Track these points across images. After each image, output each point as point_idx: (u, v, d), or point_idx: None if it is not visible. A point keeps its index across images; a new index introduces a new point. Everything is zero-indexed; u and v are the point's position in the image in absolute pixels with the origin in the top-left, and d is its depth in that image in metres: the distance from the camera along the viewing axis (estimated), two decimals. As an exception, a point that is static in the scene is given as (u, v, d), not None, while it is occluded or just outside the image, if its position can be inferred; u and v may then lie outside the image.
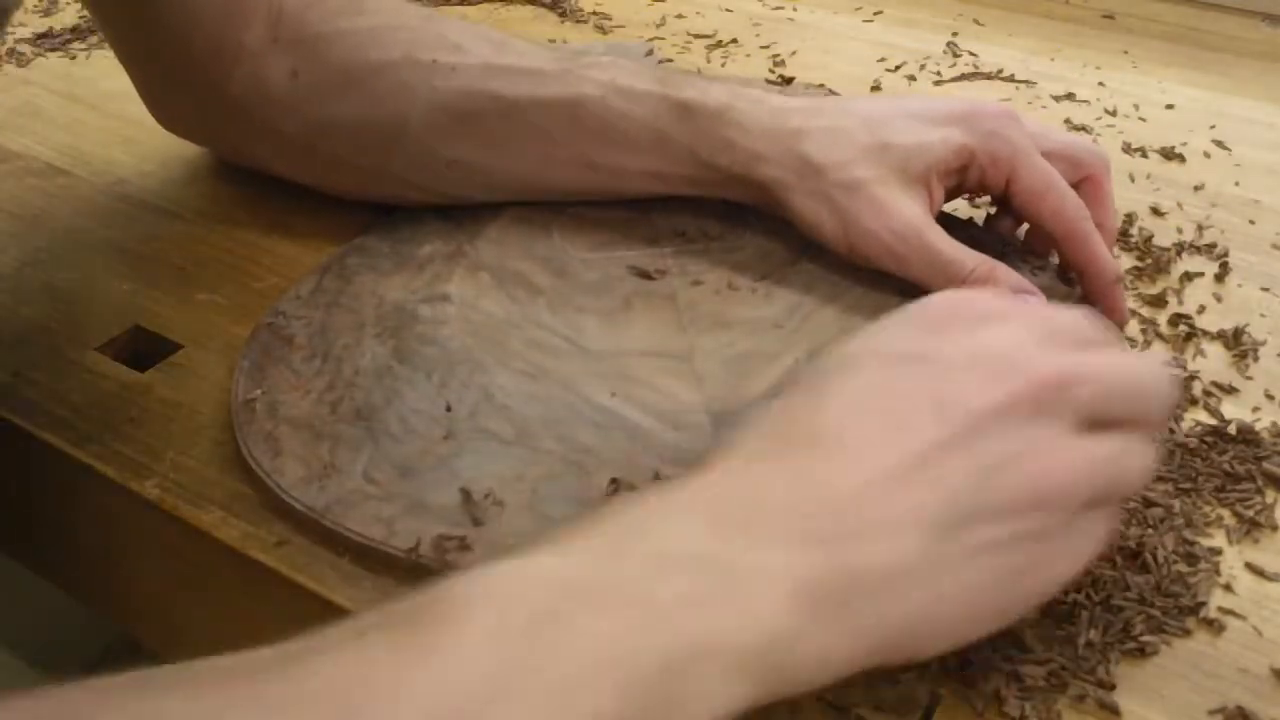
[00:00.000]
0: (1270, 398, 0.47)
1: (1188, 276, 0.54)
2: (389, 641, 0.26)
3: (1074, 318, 0.36)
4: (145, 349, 0.49)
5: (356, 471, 0.41)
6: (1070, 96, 0.72)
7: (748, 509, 0.30)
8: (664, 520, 0.30)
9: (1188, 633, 0.37)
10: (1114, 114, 0.70)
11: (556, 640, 0.27)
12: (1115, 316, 0.49)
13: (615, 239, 0.54)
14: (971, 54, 0.78)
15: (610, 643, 0.27)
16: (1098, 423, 0.33)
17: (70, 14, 0.81)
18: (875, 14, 0.85)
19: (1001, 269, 0.47)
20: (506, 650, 0.26)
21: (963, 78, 0.74)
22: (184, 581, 0.44)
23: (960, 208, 0.59)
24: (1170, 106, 0.71)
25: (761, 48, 0.78)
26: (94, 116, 0.67)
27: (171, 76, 0.56)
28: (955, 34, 0.81)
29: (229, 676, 0.26)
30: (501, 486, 0.40)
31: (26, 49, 0.75)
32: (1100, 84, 0.74)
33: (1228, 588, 0.39)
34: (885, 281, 0.51)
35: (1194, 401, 0.46)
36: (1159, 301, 0.52)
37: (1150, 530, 0.40)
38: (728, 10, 0.85)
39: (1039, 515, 0.31)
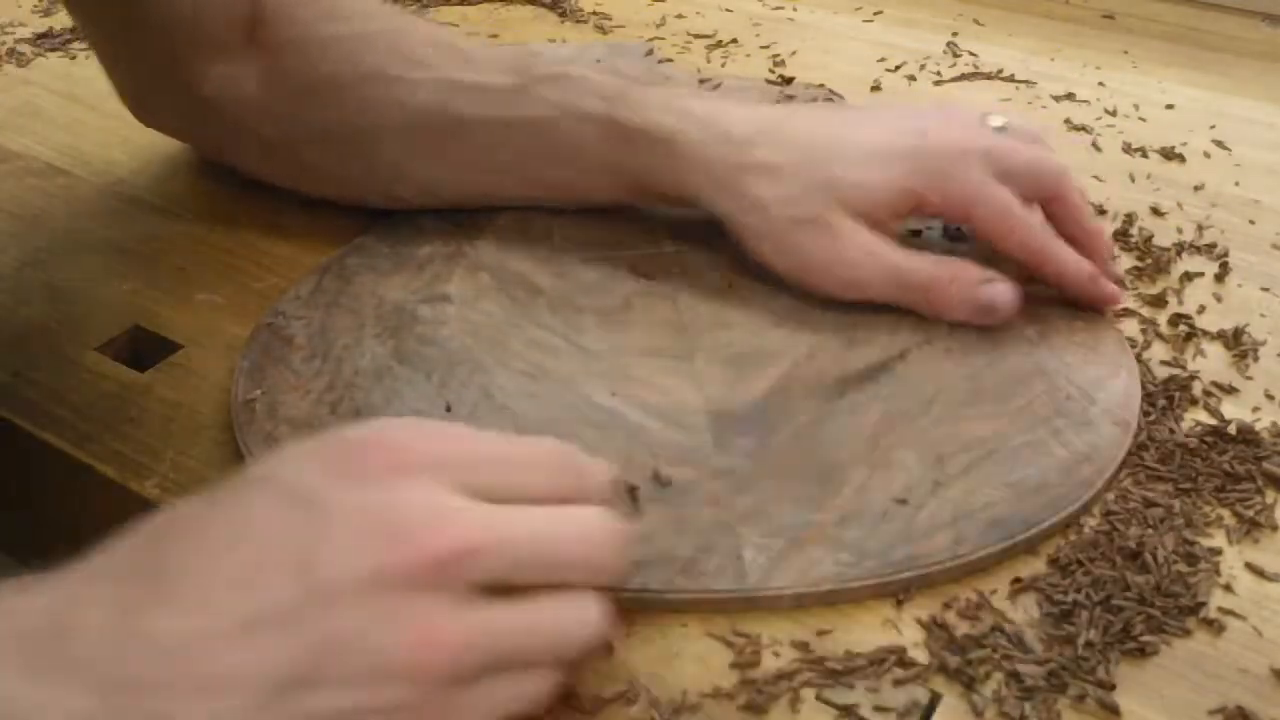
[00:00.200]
0: (1270, 398, 0.47)
1: (1188, 276, 0.54)
2: None
3: (532, 457, 0.34)
4: (145, 349, 0.49)
5: (356, 471, 0.41)
6: (1070, 96, 0.72)
7: (57, 638, 0.28)
8: None
9: (1188, 633, 0.37)
10: (1114, 114, 0.70)
11: None
12: (1107, 304, 0.49)
13: (615, 239, 0.54)
14: (971, 54, 0.78)
15: None
16: (516, 587, 0.32)
17: (71, 14, 0.81)
18: (875, 14, 0.85)
19: (965, 272, 0.46)
20: None
21: (963, 78, 0.74)
22: (184, 581, 0.44)
23: (960, 208, 0.59)
24: (1170, 106, 0.71)
25: (761, 48, 0.78)
26: (94, 116, 0.67)
27: (149, 74, 0.56)
28: (955, 34, 0.81)
29: None
30: (501, 486, 0.40)
31: (26, 49, 0.75)
32: (1100, 84, 0.74)
33: (1228, 588, 0.39)
34: (885, 281, 0.51)
35: (1194, 401, 0.46)
36: (1159, 301, 0.52)
37: (1150, 530, 0.40)
38: (728, 10, 0.85)
39: (394, 689, 0.29)
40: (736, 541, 0.39)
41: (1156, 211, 0.59)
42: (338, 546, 0.30)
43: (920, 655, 0.36)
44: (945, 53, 0.78)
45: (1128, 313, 0.51)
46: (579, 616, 0.33)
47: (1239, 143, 0.66)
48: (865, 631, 0.37)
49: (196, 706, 0.28)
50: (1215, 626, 0.37)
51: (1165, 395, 0.46)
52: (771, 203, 0.47)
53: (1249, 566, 0.40)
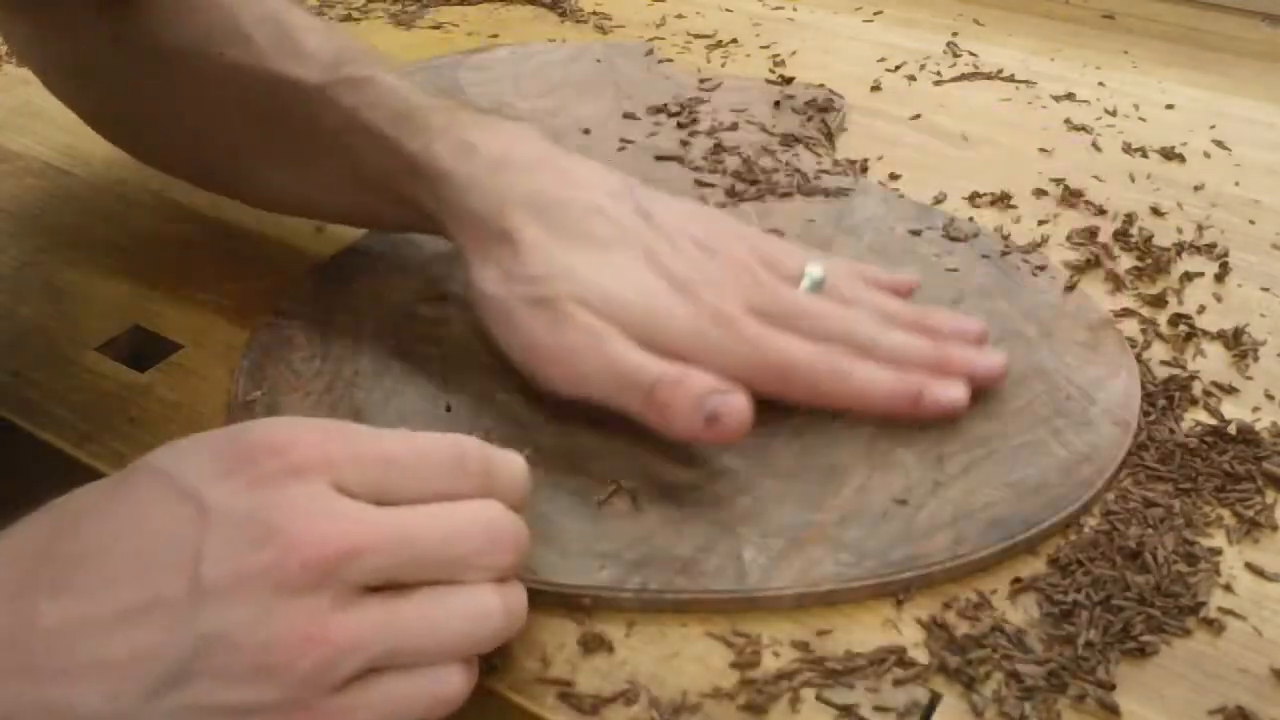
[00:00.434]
0: (1270, 398, 0.47)
1: (1188, 276, 0.54)
2: None
3: (428, 454, 0.33)
4: (145, 349, 0.49)
5: (356, 471, 0.41)
6: (1070, 96, 0.72)
7: None
8: None
9: (1188, 633, 0.37)
10: (1114, 114, 0.70)
11: None
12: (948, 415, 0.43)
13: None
14: (971, 54, 0.78)
15: None
16: (407, 583, 0.31)
17: (70, 14, 0.81)
18: (875, 14, 0.85)
19: (693, 379, 0.39)
20: None
21: (963, 78, 0.75)
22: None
23: (960, 207, 0.59)
24: (1170, 106, 0.71)
25: (761, 48, 0.78)
26: (94, 116, 0.67)
27: (22, 30, 0.55)
28: (955, 34, 0.81)
29: None
30: (501, 486, 0.40)
31: (26, 49, 0.75)
32: (1100, 84, 0.74)
33: (1228, 588, 0.39)
34: (885, 281, 0.51)
35: (1194, 401, 0.46)
36: (1159, 301, 0.52)
37: (1150, 530, 0.40)
38: (728, 10, 0.85)
39: (274, 688, 0.29)
40: (736, 541, 0.39)
41: (1156, 211, 0.59)
42: (220, 544, 0.30)
43: (920, 655, 0.36)
44: (945, 53, 0.78)
45: (1128, 313, 0.51)
46: (477, 611, 0.32)
47: (1239, 143, 0.67)
48: (865, 631, 0.37)
49: (90, 694, 0.29)
50: (1215, 626, 0.37)
51: (1165, 395, 0.46)
52: (514, 278, 0.42)
53: (1249, 566, 0.40)
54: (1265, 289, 0.54)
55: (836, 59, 0.77)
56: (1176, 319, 0.51)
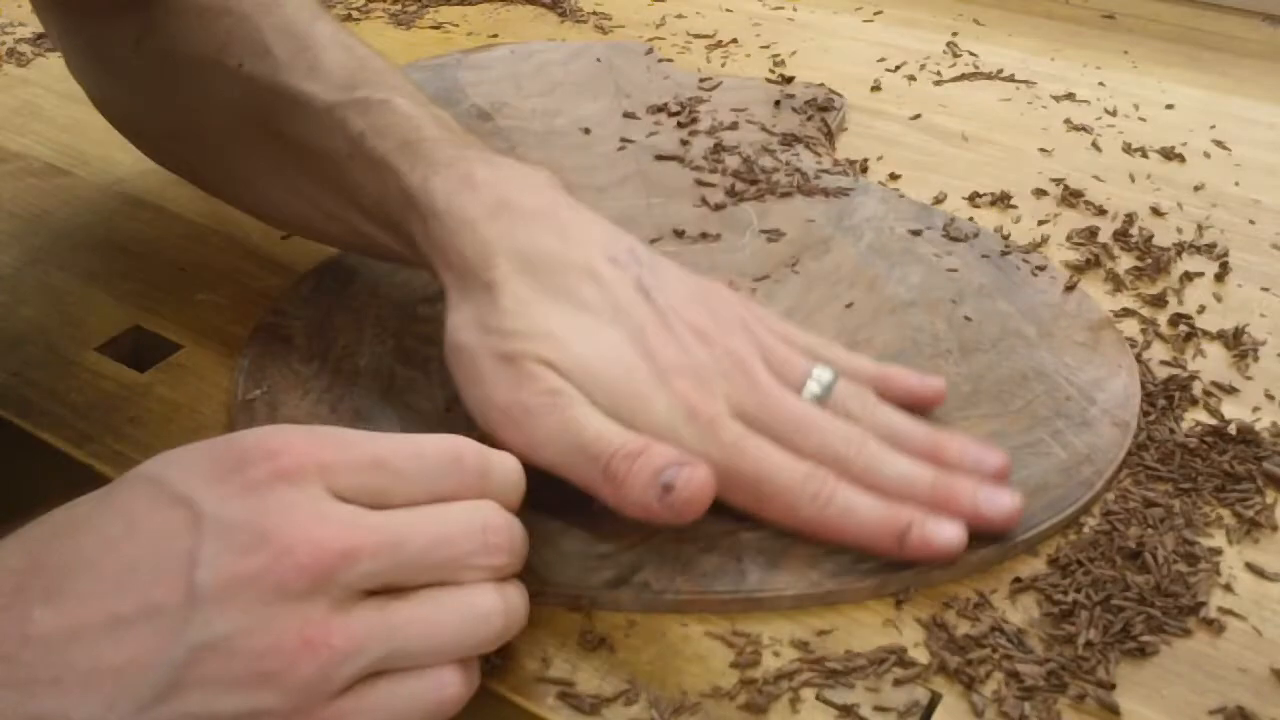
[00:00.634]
0: (1270, 398, 0.47)
1: (1188, 276, 0.54)
2: None
3: (422, 457, 0.33)
4: (145, 349, 0.49)
5: (356, 471, 0.41)
6: (1070, 96, 0.72)
7: None
8: None
9: (1188, 633, 0.37)
10: (1114, 114, 0.70)
11: None
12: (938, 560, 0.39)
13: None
14: (971, 54, 0.78)
15: None
16: (404, 586, 0.31)
17: (70, 14, 0.81)
18: (875, 14, 0.85)
19: (653, 451, 0.37)
20: None
21: (963, 78, 0.75)
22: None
23: (960, 207, 0.59)
24: (1170, 106, 0.71)
25: (761, 48, 0.78)
26: (94, 116, 0.67)
27: (54, 17, 0.55)
28: (955, 34, 0.81)
29: None
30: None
31: (26, 49, 0.75)
32: (1100, 84, 0.74)
33: (1228, 588, 0.39)
34: (886, 283, 0.51)
35: (1194, 401, 0.46)
36: (1159, 301, 0.52)
37: (1150, 530, 0.40)
38: (728, 10, 0.85)
39: (270, 694, 0.29)
40: (736, 542, 0.39)
41: (1156, 211, 0.59)
42: (215, 550, 0.30)
43: (920, 655, 0.36)
44: (945, 53, 0.78)
45: (1128, 313, 0.51)
46: (476, 612, 0.32)
47: (1239, 143, 0.66)
48: (865, 631, 0.37)
49: (85, 703, 0.28)
50: (1215, 626, 0.37)
51: (1165, 395, 0.46)
52: (487, 329, 0.39)
53: (1249, 566, 0.40)
54: (1265, 289, 0.54)
55: (836, 59, 0.77)
56: (1176, 319, 0.51)
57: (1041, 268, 0.53)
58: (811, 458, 0.38)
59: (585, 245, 0.41)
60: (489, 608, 0.33)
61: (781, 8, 0.85)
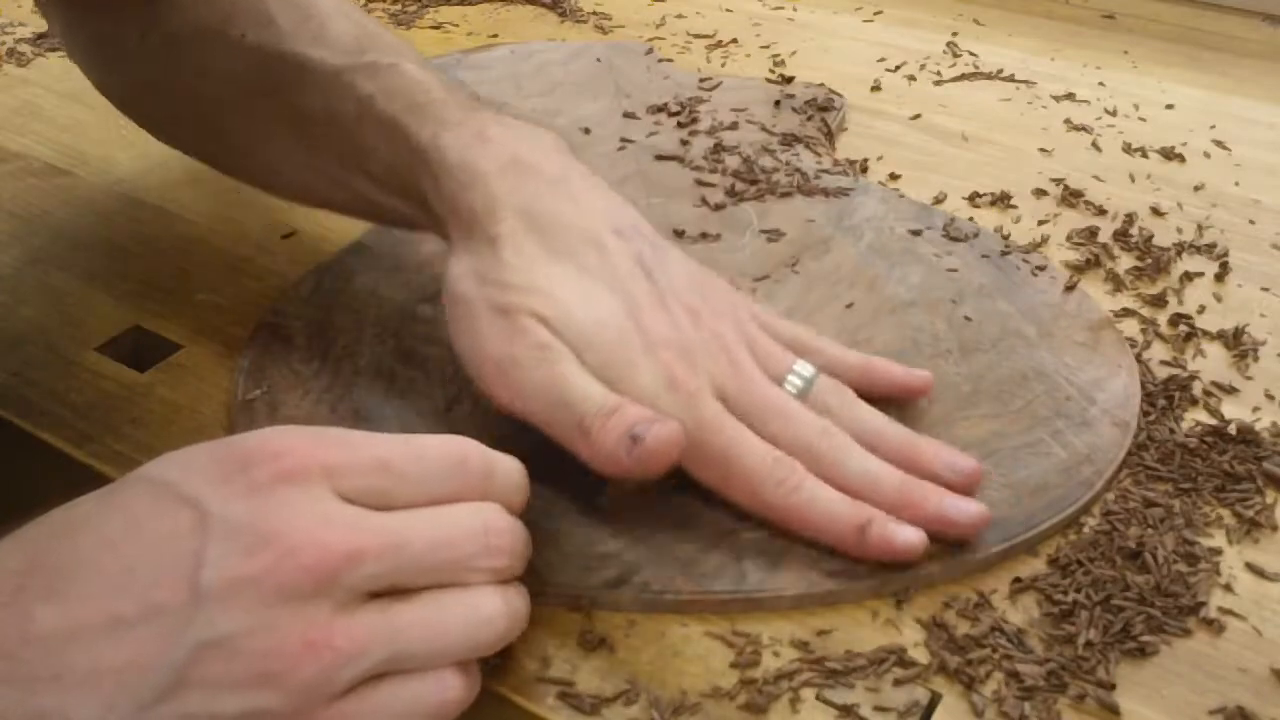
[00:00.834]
0: (1270, 398, 0.47)
1: (1188, 276, 0.54)
2: None
3: (425, 458, 0.33)
4: (145, 349, 0.49)
5: (356, 471, 0.41)
6: (1070, 96, 0.72)
7: None
8: None
9: (1188, 633, 0.37)
10: (1114, 114, 0.70)
11: None
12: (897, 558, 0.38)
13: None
14: (971, 54, 0.78)
15: None
16: (406, 590, 0.31)
17: (70, 14, 0.81)
18: (875, 14, 0.85)
19: (627, 408, 0.37)
20: None
21: (963, 78, 0.75)
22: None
23: (960, 207, 0.59)
24: (1170, 106, 0.71)
25: (761, 48, 0.78)
26: (94, 116, 0.67)
27: (59, 8, 0.55)
28: (955, 34, 0.81)
29: None
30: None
31: (26, 49, 0.75)
32: (1100, 84, 0.74)
33: (1228, 588, 0.39)
34: (885, 283, 0.51)
35: (1194, 401, 0.46)
36: (1159, 301, 0.52)
37: (1150, 530, 0.40)
38: (728, 10, 0.85)
39: (273, 695, 0.29)
40: (736, 542, 0.39)
41: (1156, 211, 0.59)
42: (219, 552, 0.30)
43: (920, 655, 0.36)
44: (945, 53, 0.78)
45: (1128, 313, 0.51)
46: (479, 614, 0.32)
47: (1239, 143, 0.67)
48: (865, 631, 0.37)
49: (86, 703, 0.28)
50: (1215, 626, 0.37)
51: (1165, 395, 0.46)
52: (486, 281, 0.40)
53: (1249, 566, 0.40)
54: (1265, 289, 0.54)
55: (836, 59, 0.77)
56: (1176, 319, 0.51)
57: (1041, 268, 0.53)
58: (784, 446, 0.39)
59: (593, 214, 0.42)
60: (492, 610, 0.33)
61: (781, 8, 0.85)
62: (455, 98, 0.44)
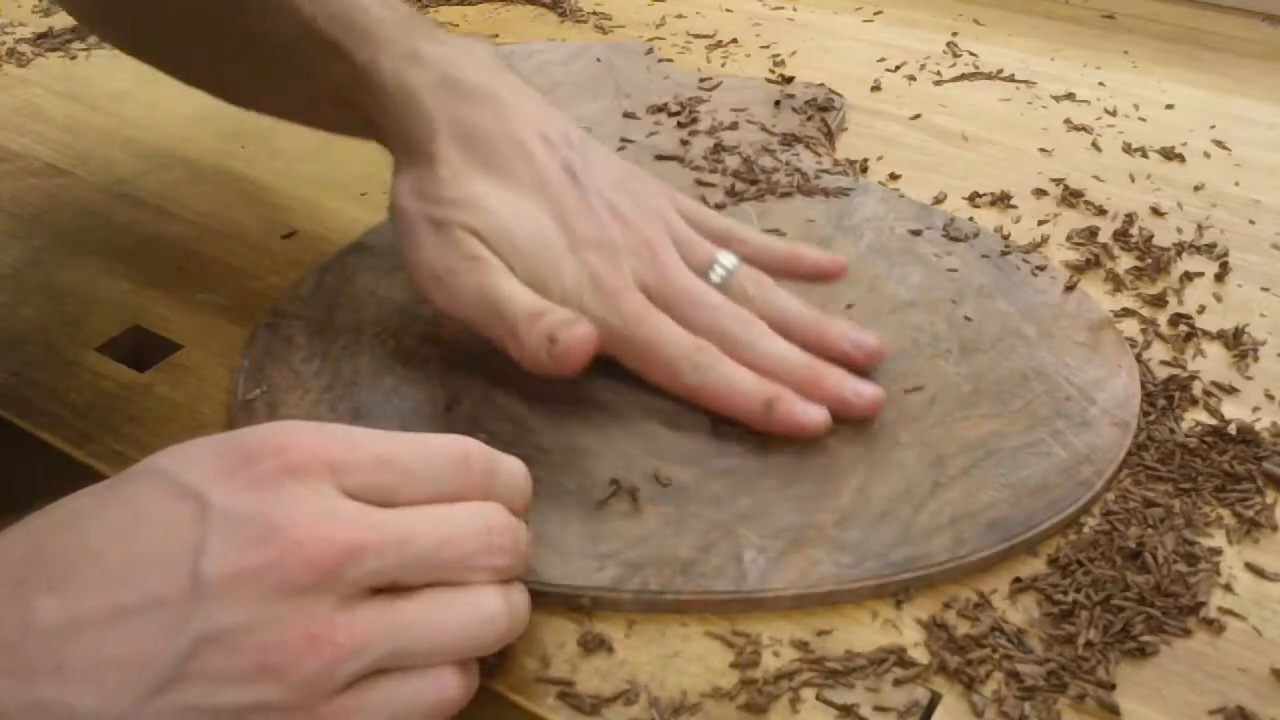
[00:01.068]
0: (1270, 398, 0.47)
1: (1188, 276, 0.54)
2: None
3: (429, 456, 0.33)
4: (145, 349, 0.49)
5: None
6: (1070, 96, 0.72)
7: None
8: None
9: (1188, 633, 0.37)
10: (1114, 114, 0.70)
11: None
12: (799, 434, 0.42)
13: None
14: (971, 54, 0.78)
15: None
16: (407, 587, 0.32)
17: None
18: (875, 14, 0.85)
19: (551, 312, 0.41)
20: None
21: (963, 78, 0.75)
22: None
23: (960, 207, 0.59)
24: (1170, 106, 0.71)
25: (761, 48, 0.78)
26: (94, 116, 0.67)
27: None
28: (955, 34, 0.81)
29: None
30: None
31: (26, 49, 0.75)
32: (1100, 84, 0.74)
33: (1228, 588, 0.39)
34: (885, 283, 0.51)
35: (1194, 401, 0.46)
36: (1159, 301, 0.52)
37: (1150, 530, 0.40)
38: (728, 10, 0.85)
39: (273, 689, 0.29)
40: (736, 542, 0.39)
41: (1156, 211, 0.59)
42: (221, 545, 0.30)
43: (920, 655, 0.36)
44: (945, 53, 0.78)
45: (1128, 313, 0.51)
46: (480, 613, 0.32)
47: (1239, 143, 0.67)
48: (865, 631, 0.37)
49: (87, 694, 0.28)
50: (1215, 626, 0.37)
51: (1165, 395, 0.46)
52: (425, 196, 0.44)
53: (1249, 566, 0.40)
54: (1265, 289, 0.54)
55: (836, 59, 0.77)
56: (1176, 319, 0.51)
57: (1041, 268, 0.53)
58: (702, 332, 0.43)
59: (520, 123, 0.45)
60: (493, 609, 0.33)
61: (781, 8, 0.85)
62: (391, 14, 0.46)
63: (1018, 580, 0.38)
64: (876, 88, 0.73)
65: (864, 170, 0.63)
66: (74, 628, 0.29)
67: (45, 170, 0.62)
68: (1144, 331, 0.50)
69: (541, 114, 0.46)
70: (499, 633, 0.33)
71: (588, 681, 0.35)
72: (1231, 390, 0.47)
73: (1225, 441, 0.44)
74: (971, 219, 0.58)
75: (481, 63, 0.46)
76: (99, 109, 0.68)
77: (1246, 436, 0.44)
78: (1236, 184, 0.62)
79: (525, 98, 0.46)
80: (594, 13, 0.84)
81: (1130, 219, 0.58)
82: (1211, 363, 0.49)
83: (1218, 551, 0.40)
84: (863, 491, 0.41)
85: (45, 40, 0.77)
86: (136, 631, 0.29)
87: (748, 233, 0.49)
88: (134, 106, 0.68)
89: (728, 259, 0.46)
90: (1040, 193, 0.61)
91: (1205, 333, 0.50)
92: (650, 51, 0.75)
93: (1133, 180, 0.63)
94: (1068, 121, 0.69)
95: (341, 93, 0.46)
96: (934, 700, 0.35)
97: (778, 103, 0.68)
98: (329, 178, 0.61)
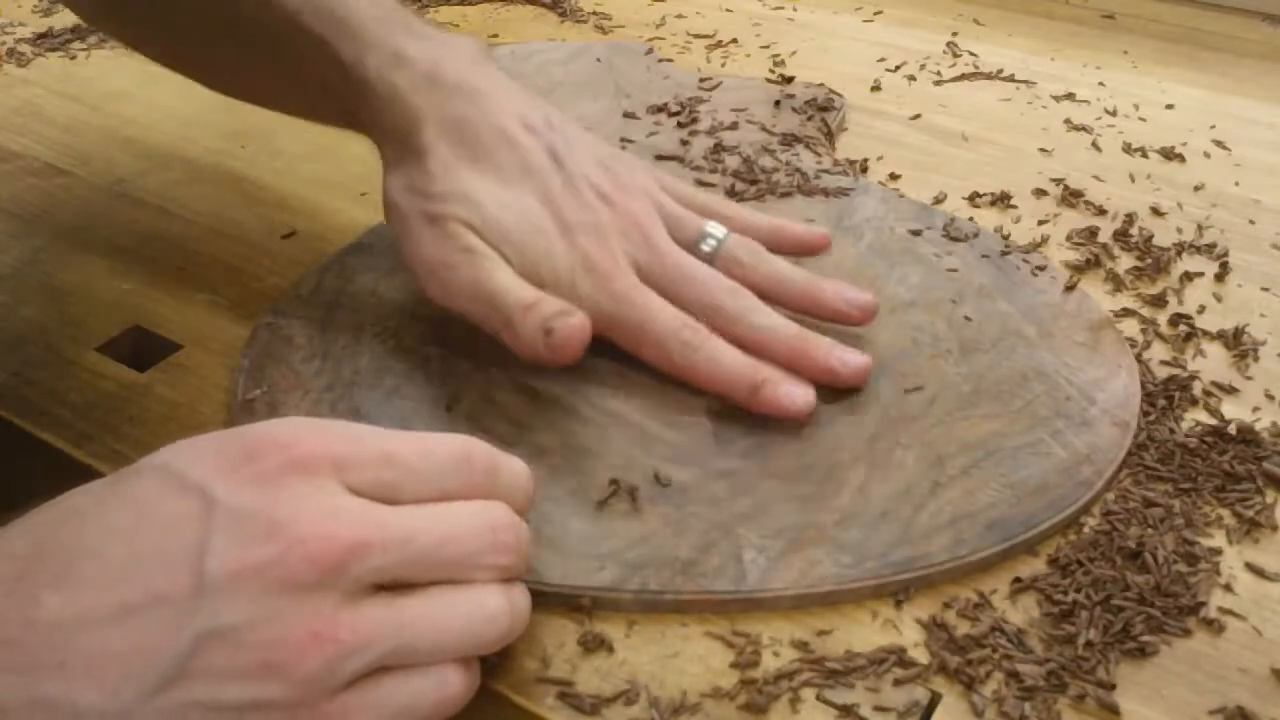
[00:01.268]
0: (1270, 398, 0.47)
1: (1188, 276, 0.54)
2: None
3: (433, 454, 0.33)
4: (145, 349, 0.49)
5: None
6: (1070, 96, 0.72)
7: None
8: None
9: (1188, 633, 0.37)
10: (1114, 114, 0.70)
11: None
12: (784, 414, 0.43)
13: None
14: (971, 54, 0.78)
15: None
16: (410, 585, 0.31)
17: (70, 14, 0.81)
18: (875, 14, 0.85)
19: (546, 301, 0.42)
20: None
21: (963, 78, 0.75)
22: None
23: (960, 207, 0.59)
24: (1170, 106, 0.71)
25: (761, 48, 0.78)
26: (94, 116, 0.67)
27: None
28: (955, 34, 0.81)
29: None
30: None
31: (26, 49, 0.75)
32: (1100, 84, 0.74)
33: (1228, 588, 0.39)
34: (886, 283, 0.51)
35: (1194, 401, 0.46)
36: (1159, 301, 0.52)
37: (1150, 530, 0.40)
38: (728, 10, 0.85)
39: (276, 686, 0.29)
40: (736, 542, 0.39)
41: (1156, 211, 0.59)
42: (225, 541, 0.30)
43: (920, 655, 0.36)
44: (945, 53, 0.78)
45: (1128, 313, 0.51)
46: (483, 612, 0.32)
47: (1239, 143, 0.67)
48: (865, 631, 0.37)
49: (90, 690, 0.28)
50: (1215, 626, 0.37)
51: (1165, 395, 0.46)
52: (416, 191, 0.45)
53: (1249, 566, 0.40)
54: (1265, 289, 0.54)
55: (836, 59, 0.77)
56: (1176, 319, 0.51)
57: (1041, 268, 0.53)
58: (694, 307, 0.44)
59: (502, 113, 0.46)
60: (496, 608, 0.33)
61: (781, 8, 0.85)
62: (375, 12, 0.47)
63: (1018, 580, 0.38)
64: (876, 88, 0.73)
65: (864, 170, 0.63)
66: (77, 624, 0.29)
67: (45, 170, 0.62)
68: (1144, 331, 0.50)
69: (521, 102, 0.47)
70: (501, 632, 0.33)
71: (588, 681, 0.35)
72: (1231, 390, 0.47)
73: (1225, 441, 0.44)
74: (971, 219, 0.58)
75: (462, 57, 0.47)
76: (99, 109, 0.68)
77: (1246, 436, 0.44)
78: (1236, 184, 0.62)
79: (506, 88, 0.47)
80: (594, 13, 0.84)
81: (1130, 219, 0.58)
82: (1211, 363, 0.49)
83: (1218, 551, 0.40)
84: (863, 491, 0.41)
85: (45, 40, 0.77)
86: (139, 628, 0.29)
87: (730, 207, 0.50)
88: (134, 106, 0.68)
89: (716, 229, 0.47)
90: (1040, 193, 0.61)
91: (1205, 333, 0.50)
92: (650, 51, 0.75)
93: (1133, 180, 0.63)
94: (1068, 121, 0.69)
95: (332, 88, 0.47)
96: (934, 700, 0.35)
97: (778, 103, 0.68)
98: (329, 178, 0.61)
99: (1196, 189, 0.62)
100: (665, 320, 0.43)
